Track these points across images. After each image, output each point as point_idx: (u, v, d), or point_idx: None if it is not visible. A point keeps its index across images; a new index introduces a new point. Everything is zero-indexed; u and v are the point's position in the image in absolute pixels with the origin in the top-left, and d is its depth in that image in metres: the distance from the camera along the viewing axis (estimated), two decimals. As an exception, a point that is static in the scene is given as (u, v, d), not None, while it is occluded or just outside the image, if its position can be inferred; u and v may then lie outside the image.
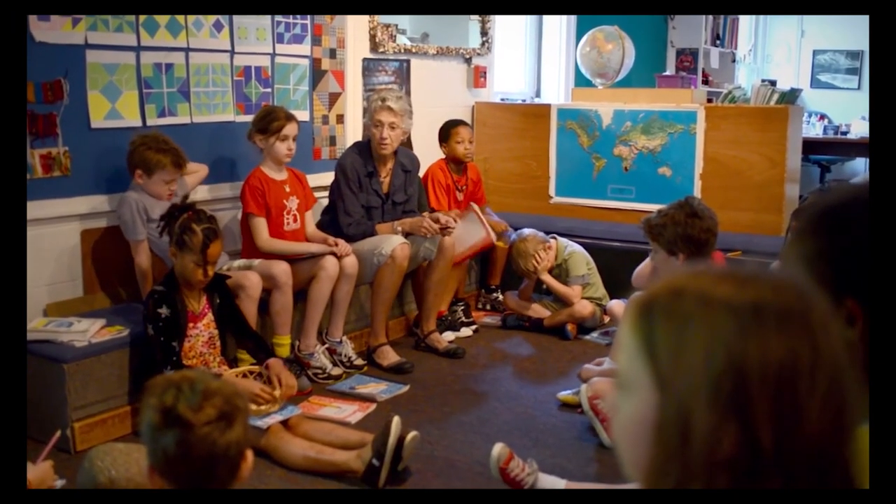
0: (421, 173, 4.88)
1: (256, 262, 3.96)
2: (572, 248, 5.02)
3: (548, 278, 4.91)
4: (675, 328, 0.81)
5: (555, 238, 5.03)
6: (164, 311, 3.34)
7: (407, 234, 4.39)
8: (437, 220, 4.41)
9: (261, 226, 4.06)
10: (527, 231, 5.01)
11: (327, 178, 4.62)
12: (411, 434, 3.08)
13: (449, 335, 4.74)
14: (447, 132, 5.21)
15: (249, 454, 1.66)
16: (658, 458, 0.80)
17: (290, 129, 4.09)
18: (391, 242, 4.23)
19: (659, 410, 0.80)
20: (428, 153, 5.20)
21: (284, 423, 3.29)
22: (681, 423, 0.78)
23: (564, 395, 3.84)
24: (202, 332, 3.48)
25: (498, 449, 2.95)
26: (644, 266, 3.74)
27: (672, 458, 0.79)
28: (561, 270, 4.97)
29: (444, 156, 5.21)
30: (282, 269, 3.87)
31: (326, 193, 4.61)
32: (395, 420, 3.04)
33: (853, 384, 0.80)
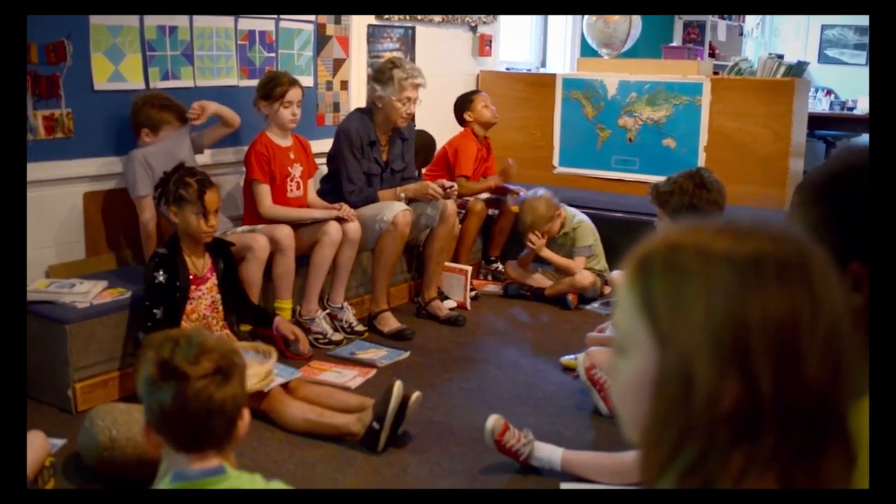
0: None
1: (259, 227, 3.95)
2: (580, 217, 5.00)
3: (548, 254, 4.90)
4: (674, 283, 0.81)
5: (563, 207, 5.01)
6: (160, 275, 3.34)
7: (410, 201, 4.38)
8: (441, 185, 4.41)
9: (265, 192, 4.04)
10: (541, 191, 4.97)
11: (331, 144, 4.60)
12: (415, 394, 3.10)
13: (450, 303, 4.75)
14: (470, 100, 5.20)
15: (246, 413, 1.67)
16: (659, 414, 0.80)
17: (294, 95, 4.07)
18: (393, 209, 4.23)
19: (660, 366, 0.80)
20: (429, 121, 5.18)
21: (285, 386, 3.31)
22: (682, 377, 0.78)
23: (567, 359, 3.87)
24: (205, 294, 3.49)
25: (492, 421, 2.93)
26: None
27: (674, 414, 0.78)
28: (567, 240, 4.95)
29: (465, 125, 5.20)
30: (284, 233, 3.87)
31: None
32: (397, 384, 3.05)
33: (852, 335, 0.81)
